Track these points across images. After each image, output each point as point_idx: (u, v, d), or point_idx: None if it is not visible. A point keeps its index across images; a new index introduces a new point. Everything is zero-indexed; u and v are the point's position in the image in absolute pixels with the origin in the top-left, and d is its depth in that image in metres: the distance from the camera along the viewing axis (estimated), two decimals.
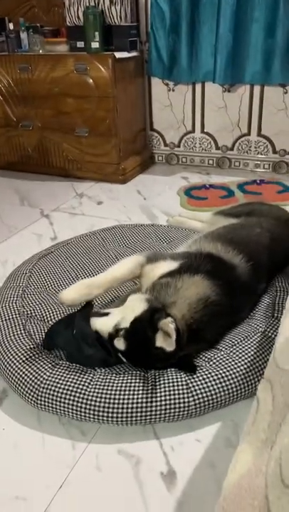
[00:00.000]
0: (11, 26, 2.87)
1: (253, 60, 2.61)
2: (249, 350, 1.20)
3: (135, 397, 1.09)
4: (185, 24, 2.66)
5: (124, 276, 1.33)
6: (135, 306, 1.14)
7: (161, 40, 2.76)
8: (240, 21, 2.53)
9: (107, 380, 1.13)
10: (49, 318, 1.38)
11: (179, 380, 1.12)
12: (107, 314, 1.18)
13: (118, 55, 2.58)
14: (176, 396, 1.09)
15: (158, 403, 1.08)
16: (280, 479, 0.54)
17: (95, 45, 2.56)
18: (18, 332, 1.30)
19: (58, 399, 1.11)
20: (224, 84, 2.76)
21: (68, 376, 1.14)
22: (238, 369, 1.15)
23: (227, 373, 1.14)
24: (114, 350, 1.12)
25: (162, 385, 1.11)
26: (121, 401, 1.08)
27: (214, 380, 1.12)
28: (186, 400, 1.09)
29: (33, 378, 1.15)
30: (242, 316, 1.34)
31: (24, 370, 1.17)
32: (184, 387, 1.10)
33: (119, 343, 1.11)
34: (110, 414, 1.08)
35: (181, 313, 1.15)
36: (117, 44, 2.65)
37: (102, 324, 1.15)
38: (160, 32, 2.74)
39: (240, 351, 1.20)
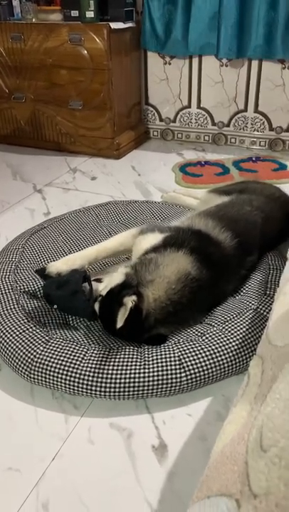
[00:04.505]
0: None
1: (255, 33, 2.55)
2: (241, 326, 1.21)
3: (127, 371, 1.10)
4: None
5: (115, 248, 1.43)
6: (115, 277, 1.21)
7: (156, 11, 2.68)
8: None
9: (100, 355, 1.13)
10: (42, 294, 1.38)
11: (172, 355, 1.13)
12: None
13: (114, 25, 2.51)
14: (168, 371, 1.10)
15: (150, 378, 1.09)
16: (259, 445, 0.55)
17: (90, 14, 2.48)
18: (12, 307, 1.30)
19: (52, 373, 1.11)
20: (227, 58, 2.70)
21: (61, 351, 1.15)
22: (230, 345, 1.16)
23: (219, 349, 1.15)
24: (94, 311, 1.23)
25: (154, 360, 1.12)
26: (113, 376, 1.09)
27: (206, 355, 1.13)
28: (178, 375, 1.10)
29: (27, 352, 1.15)
30: (228, 287, 1.36)
31: (18, 344, 1.17)
32: (176, 362, 1.11)
33: (96, 306, 1.21)
34: (103, 389, 1.09)
35: (157, 294, 1.17)
36: (112, 14, 2.57)
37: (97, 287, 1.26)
38: (154, 2, 2.66)
39: (233, 327, 1.21)
